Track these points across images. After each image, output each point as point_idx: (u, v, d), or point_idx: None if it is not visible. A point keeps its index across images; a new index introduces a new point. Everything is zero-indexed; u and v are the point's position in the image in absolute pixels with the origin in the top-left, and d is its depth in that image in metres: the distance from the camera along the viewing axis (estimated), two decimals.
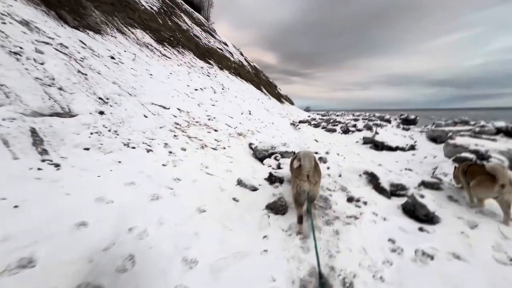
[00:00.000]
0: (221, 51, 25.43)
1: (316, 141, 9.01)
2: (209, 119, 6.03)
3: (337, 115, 43.47)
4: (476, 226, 2.95)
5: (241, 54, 39.41)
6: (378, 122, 19.21)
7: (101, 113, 3.68)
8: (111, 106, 3.96)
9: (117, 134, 3.42)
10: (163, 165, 3.23)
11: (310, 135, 10.57)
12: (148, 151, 3.41)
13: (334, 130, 12.44)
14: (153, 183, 2.69)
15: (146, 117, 4.33)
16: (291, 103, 48.21)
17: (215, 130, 5.39)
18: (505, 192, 2.86)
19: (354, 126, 13.47)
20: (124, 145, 3.29)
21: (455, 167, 3.97)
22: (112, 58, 6.35)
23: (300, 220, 2.58)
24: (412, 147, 8.05)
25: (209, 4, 61.22)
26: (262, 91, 28.76)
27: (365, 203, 3.37)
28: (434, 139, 9.20)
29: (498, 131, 8.22)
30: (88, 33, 7.45)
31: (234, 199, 2.96)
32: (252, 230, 2.47)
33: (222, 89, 12.47)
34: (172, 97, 6.31)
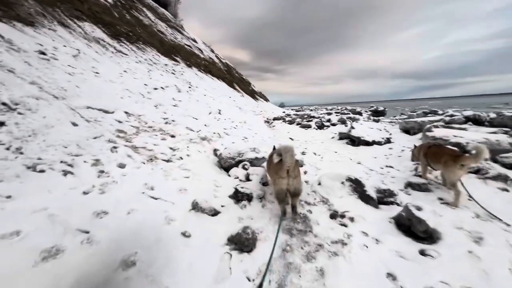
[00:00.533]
0: (189, 47, 24.07)
1: (291, 139, 8.43)
2: (166, 123, 5.11)
3: (311, 110, 43.79)
4: (482, 239, 2.46)
5: (212, 51, 38.04)
6: (351, 115, 19.21)
7: (0, 124, 2.68)
8: (19, 114, 2.94)
9: (20, 153, 2.46)
10: (84, 193, 2.33)
11: (285, 133, 9.98)
12: (65, 173, 2.48)
13: (309, 126, 11.99)
14: (56, 228, 1.81)
15: (75, 125, 3.36)
16: (266, 99, 47.79)
17: (172, 136, 4.50)
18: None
19: (329, 120, 13.16)
20: (28, 168, 2.34)
21: (414, 146, 4.29)
22: (42, 53, 5.16)
23: (284, 214, 2.58)
24: (388, 140, 7.75)
25: (176, 0, 58.59)
26: (235, 88, 27.85)
27: (351, 219, 2.75)
28: (407, 130, 9.02)
29: (467, 119, 8.22)
30: (14, 24, 6.12)
31: (183, 234, 2.17)
32: (205, 286, 1.72)
33: (189, 87, 11.44)
34: (121, 99, 5.29)
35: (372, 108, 33.58)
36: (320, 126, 12.12)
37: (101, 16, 11.75)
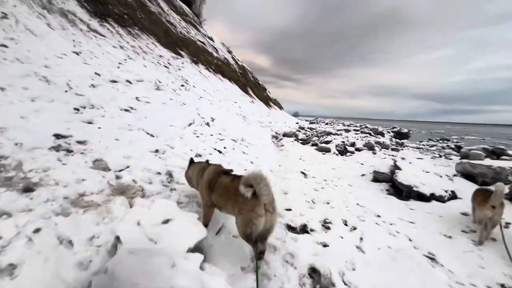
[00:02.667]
0: (202, 44, 21.86)
1: (304, 174, 5.68)
2: (65, 149, 2.53)
3: (327, 123, 40.76)
4: None
5: (229, 52, 35.93)
6: (373, 139, 16.22)
7: None
8: None
9: None
10: None
11: (295, 159, 7.23)
12: None
13: (328, 150, 9.19)
14: None
15: None
16: (280, 107, 45.18)
17: (30, 190, 1.92)
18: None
19: (353, 145, 10.30)
20: None
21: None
22: None
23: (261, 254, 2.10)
24: (454, 195, 4.91)
25: (201, 0, 57.67)
26: (247, 93, 25.41)
27: None
28: (470, 176, 6.05)
29: None
30: None
31: None
32: None
33: (182, 86, 8.98)
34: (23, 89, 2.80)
35: (394, 129, 30.22)
36: (342, 151, 9.30)
37: None
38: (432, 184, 4.97)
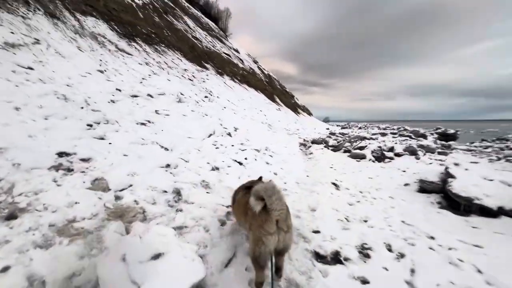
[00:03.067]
0: (227, 56, 22.25)
1: (336, 185, 5.04)
2: (65, 167, 2.38)
3: (360, 128, 38.55)
4: None
5: (255, 62, 36.28)
6: (415, 142, 14.77)
7: None
8: None
9: None
10: None
11: (326, 168, 6.56)
12: None
13: (363, 157, 8.32)
14: None
15: None
16: (309, 113, 44.09)
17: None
18: None
19: (391, 149, 9.25)
20: None
21: None
22: None
23: (260, 286, 1.74)
24: None
25: (227, 15, 59.72)
26: (274, 100, 25.12)
27: None
28: None
29: None
30: None
31: None
32: None
33: (206, 97, 8.95)
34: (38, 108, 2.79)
35: (439, 130, 27.36)
36: (380, 157, 8.36)
37: (118, 14, 10.18)
38: (499, 195, 4.03)
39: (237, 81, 17.45)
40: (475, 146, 17.74)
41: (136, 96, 5.27)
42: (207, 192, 2.92)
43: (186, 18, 21.07)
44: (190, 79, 9.98)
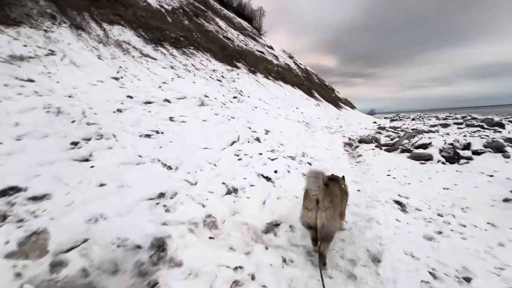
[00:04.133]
0: (260, 53, 21.31)
1: (401, 205, 3.62)
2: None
3: (413, 119, 33.97)
4: None
5: (290, 57, 34.70)
6: (493, 134, 11.94)
7: None
8: None
9: None
10: None
11: (381, 178, 5.04)
12: None
13: (429, 157, 6.52)
14: None
15: None
16: (352, 107, 40.73)
17: None
18: None
19: (467, 147, 7.17)
20: None
21: None
22: None
23: (314, 242, 2.06)
24: None
25: (260, 14, 59.10)
26: (313, 96, 23.39)
27: None
28: None
29: None
30: None
31: None
32: None
33: (234, 97, 8.12)
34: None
35: None
36: (452, 158, 6.47)
37: (146, 21, 10.00)
38: None
39: (271, 78, 16.38)
40: None
41: (149, 103, 4.63)
42: (210, 238, 1.97)
43: (218, 19, 20.74)
44: (218, 80, 9.27)
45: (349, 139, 9.22)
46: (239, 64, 13.96)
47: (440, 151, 6.76)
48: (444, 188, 4.58)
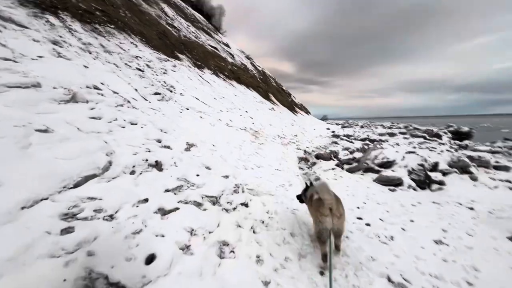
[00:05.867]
0: (213, 49, 18.99)
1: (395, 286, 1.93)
2: None
3: (362, 126, 35.34)
4: None
5: (248, 58, 33.05)
6: (462, 153, 11.67)
7: None
8: None
9: None
10: None
11: (354, 231, 3.35)
12: None
13: (398, 182, 5.17)
14: None
15: None
16: (307, 112, 40.99)
17: None
18: None
19: (435, 167, 6.10)
20: None
21: None
22: None
23: (325, 258, 2.28)
24: None
25: (221, 12, 56.56)
26: (270, 99, 21.98)
27: None
28: None
29: None
30: None
31: None
32: None
33: (156, 93, 5.76)
34: None
35: (451, 128, 24.26)
36: (422, 182, 5.22)
37: None
38: None
39: (222, 76, 14.25)
40: (499, 147, 14.62)
41: None
42: None
43: (164, 5, 17.77)
44: (139, 69, 6.77)
45: (305, 152, 7.62)
46: (182, 56, 11.49)
47: (410, 172, 5.49)
48: (436, 242, 3.06)
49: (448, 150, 12.69)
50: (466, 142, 17.69)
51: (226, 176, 3.53)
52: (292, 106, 30.52)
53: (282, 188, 4.21)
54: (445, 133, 21.97)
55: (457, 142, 18.43)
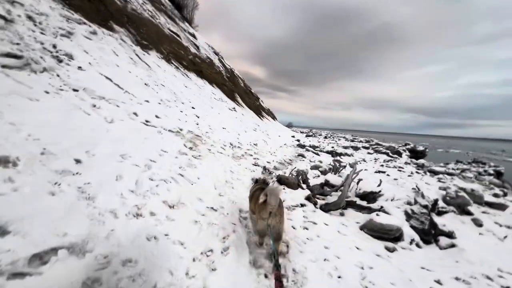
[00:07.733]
0: (171, 34, 16.19)
1: None
2: None
3: (326, 137, 35.15)
4: None
5: (216, 53, 30.52)
6: (455, 185, 10.61)
7: None
8: None
9: None
10: None
11: None
12: None
13: (397, 236, 3.44)
14: None
15: None
16: (273, 117, 39.74)
17: None
18: None
19: (434, 206, 4.55)
20: None
21: None
22: None
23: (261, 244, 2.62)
24: None
25: (193, 5, 52.69)
26: (234, 99, 19.82)
27: None
28: None
29: None
30: None
31: None
32: None
33: (27, 64, 3.25)
34: None
35: (408, 146, 24.83)
36: (428, 234, 3.52)
37: None
38: None
39: (176, 64, 11.66)
40: (453, 169, 14.57)
41: None
42: None
43: None
44: (42, 33, 4.06)
45: (264, 170, 5.60)
46: (118, 28, 8.69)
47: (408, 216, 3.77)
48: None
49: (417, 172, 11.72)
50: (422, 161, 17.73)
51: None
52: (259, 110, 28.81)
53: (216, 255, 2.04)
54: (404, 150, 22.21)
55: (414, 160, 18.49)
